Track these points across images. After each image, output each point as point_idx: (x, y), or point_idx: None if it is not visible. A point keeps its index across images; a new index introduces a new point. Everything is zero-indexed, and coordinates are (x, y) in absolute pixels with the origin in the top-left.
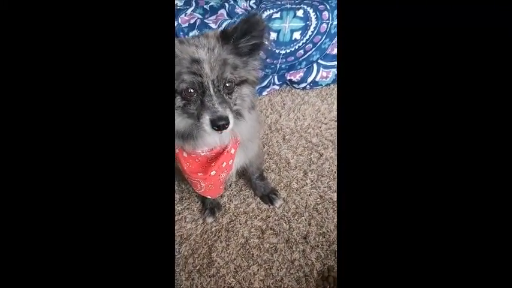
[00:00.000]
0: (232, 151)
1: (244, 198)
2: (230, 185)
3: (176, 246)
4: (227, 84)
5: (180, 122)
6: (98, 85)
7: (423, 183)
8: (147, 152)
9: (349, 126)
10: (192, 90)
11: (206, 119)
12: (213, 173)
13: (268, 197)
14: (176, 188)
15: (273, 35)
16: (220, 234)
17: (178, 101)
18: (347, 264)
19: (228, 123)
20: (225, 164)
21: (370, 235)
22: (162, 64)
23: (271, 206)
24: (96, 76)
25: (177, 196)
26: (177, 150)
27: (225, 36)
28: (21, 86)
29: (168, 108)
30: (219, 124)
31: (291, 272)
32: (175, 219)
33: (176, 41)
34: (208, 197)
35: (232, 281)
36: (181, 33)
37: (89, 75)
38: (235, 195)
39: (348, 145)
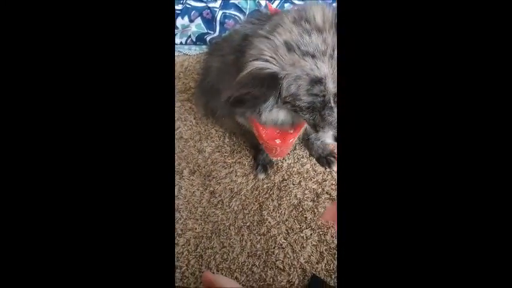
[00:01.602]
0: None
1: (298, 158)
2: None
3: (226, 201)
4: None
5: (280, 114)
6: (93, 75)
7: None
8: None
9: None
10: (310, 107)
11: (329, 134)
12: (291, 140)
13: (326, 159)
14: (227, 140)
15: None
16: (271, 192)
17: (288, 106)
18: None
19: None
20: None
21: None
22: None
23: (328, 169)
24: (93, 67)
25: (228, 149)
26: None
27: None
28: (17, 85)
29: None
30: None
31: None
32: (226, 172)
33: (282, 48)
34: (278, 158)
35: (284, 242)
36: None
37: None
38: (288, 154)
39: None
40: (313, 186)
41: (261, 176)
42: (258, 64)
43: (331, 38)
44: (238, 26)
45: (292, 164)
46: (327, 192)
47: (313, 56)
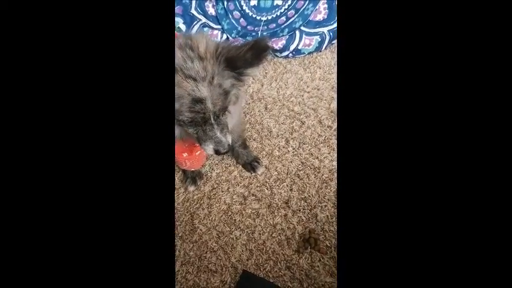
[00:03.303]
0: None
1: (226, 167)
2: (212, 155)
3: None
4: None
5: (175, 130)
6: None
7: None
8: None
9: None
10: (192, 122)
11: (210, 148)
12: (197, 152)
13: (251, 164)
14: None
15: (254, 1)
16: (202, 201)
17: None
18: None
19: (229, 149)
20: None
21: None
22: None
23: (254, 174)
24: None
25: None
26: None
27: (227, 64)
28: (16, 85)
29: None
30: (222, 152)
31: (273, 235)
32: None
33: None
34: (192, 169)
35: (215, 245)
36: None
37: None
38: (217, 164)
39: (348, 114)
40: (241, 191)
41: (191, 188)
42: None
43: (210, 66)
44: None
45: (220, 173)
46: (252, 194)
47: (194, 80)
